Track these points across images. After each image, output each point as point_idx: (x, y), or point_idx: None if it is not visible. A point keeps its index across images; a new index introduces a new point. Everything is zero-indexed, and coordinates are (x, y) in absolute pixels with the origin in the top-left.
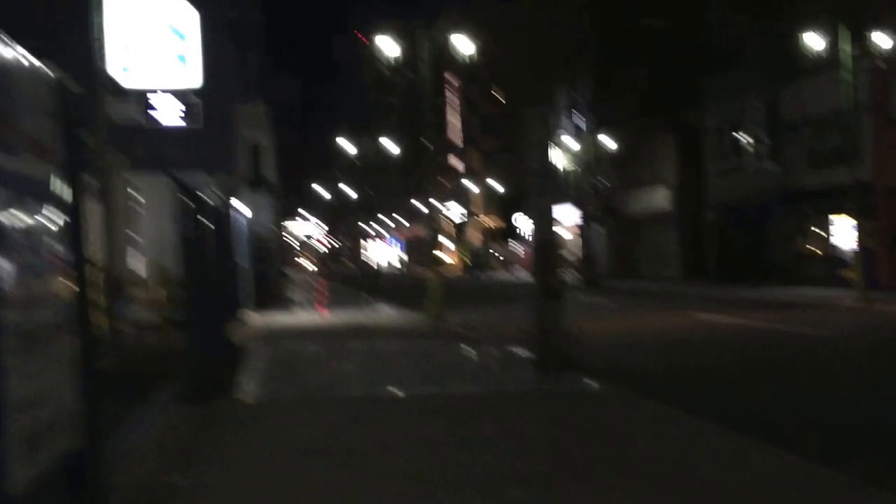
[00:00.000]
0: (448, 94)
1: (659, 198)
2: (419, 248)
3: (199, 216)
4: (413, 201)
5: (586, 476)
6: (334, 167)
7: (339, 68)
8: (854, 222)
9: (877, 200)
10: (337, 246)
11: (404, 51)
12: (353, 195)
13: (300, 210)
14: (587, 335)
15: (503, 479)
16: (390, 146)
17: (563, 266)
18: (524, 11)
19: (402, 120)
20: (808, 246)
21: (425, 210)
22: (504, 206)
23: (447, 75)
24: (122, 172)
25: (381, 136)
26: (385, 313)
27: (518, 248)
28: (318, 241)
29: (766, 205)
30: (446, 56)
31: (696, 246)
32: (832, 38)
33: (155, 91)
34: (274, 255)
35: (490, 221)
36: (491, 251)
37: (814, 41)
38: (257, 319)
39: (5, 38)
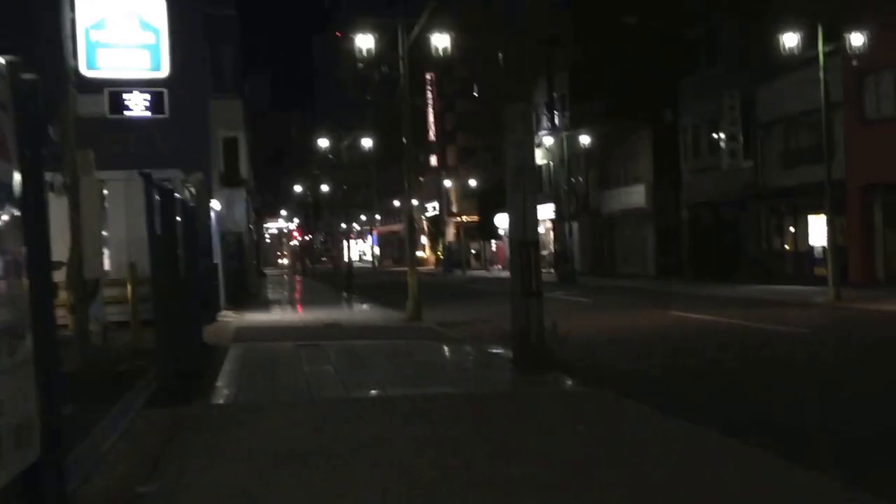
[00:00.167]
0: (426, 91)
1: (635, 195)
2: (392, 244)
3: (168, 212)
4: (389, 198)
5: (568, 480)
6: (310, 164)
7: (315, 65)
8: (827, 220)
9: (849, 198)
10: (312, 243)
11: (382, 47)
12: (330, 192)
13: (275, 207)
14: (566, 333)
15: (484, 485)
16: (366, 143)
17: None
18: (502, 8)
19: (379, 117)
20: (781, 244)
21: (400, 206)
22: (481, 203)
23: (425, 74)
24: (91, 168)
25: (357, 133)
26: (361, 311)
27: (495, 246)
28: (294, 237)
29: (740, 203)
30: (425, 52)
31: (671, 244)
32: (808, 36)
33: (122, 82)
34: (249, 252)
35: (466, 218)
36: (468, 248)
37: (789, 40)
38: (233, 318)
39: None
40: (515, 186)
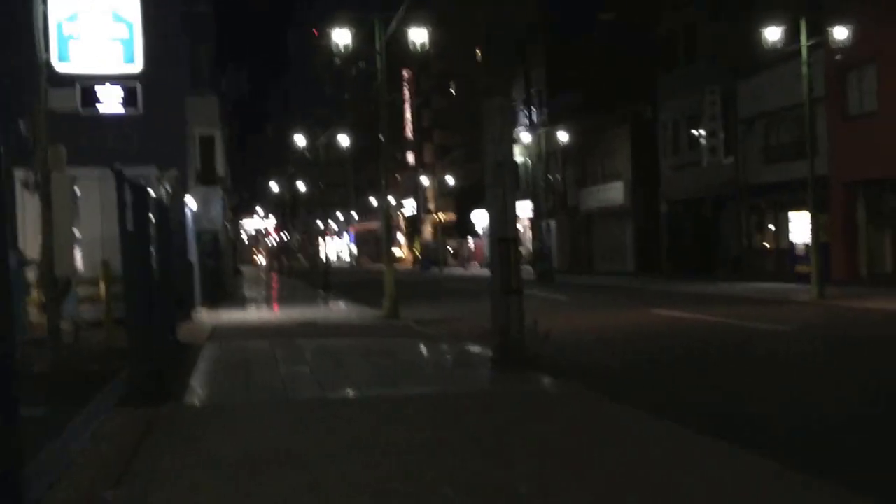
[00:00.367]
0: (402, 88)
1: (613, 192)
2: (370, 242)
3: (141, 209)
4: (366, 196)
5: (555, 484)
6: (287, 162)
7: (292, 62)
8: (809, 217)
9: (832, 195)
10: (289, 241)
11: (358, 43)
12: (306, 190)
13: (252, 205)
14: (547, 332)
15: (466, 491)
16: (343, 141)
17: (520, 260)
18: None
19: (355, 114)
20: (761, 241)
21: (377, 203)
22: (458, 201)
23: (402, 70)
24: (62, 164)
25: (334, 130)
26: (338, 309)
27: (472, 243)
28: (270, 235)
29: (720, 199)
30: (401, 48)
31: (650, 241)
32: (790, 31)
33: (95, 77)
34: (226, 251)
35: (443, 216)
36: (445, 246)
37: (771, 34)
38: (208, 317)
39: None
40: (495, 182)
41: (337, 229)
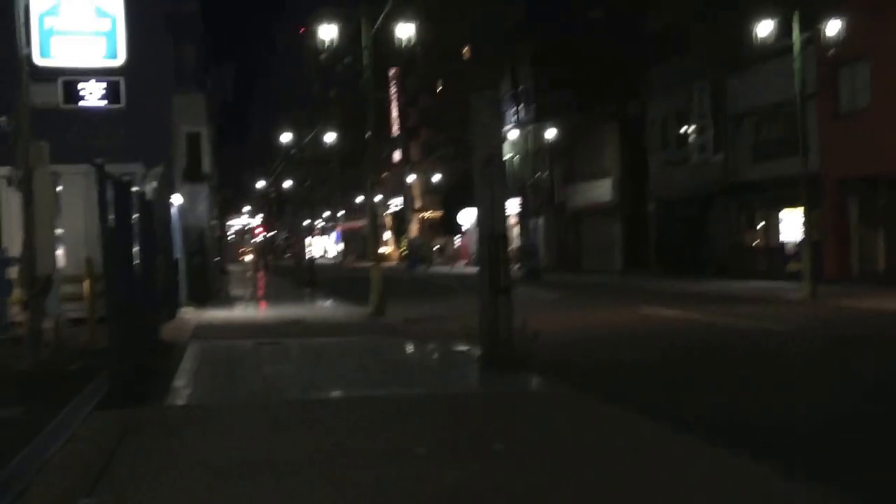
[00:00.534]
0: (389, 86)
1: (601, 190)
2: (356, 240)
3: (123, 206)
4: (352, 194)
5: (543, 490)
6: (274, 160)
7: (278, 60)
8: (801, 215)
9: (824, 192)
10: (276, 238)
11: (345, 40)
12: (293, 188)
13: (239, 203)
14: (536, 332)
15: (454, 498)
16: (330, 139)
17: (509, 258)
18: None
19: (341, 112)
20: (751, 239)
21: (364, 202)
22: (444, 199)
23: (388, 69)
24: (44, 161)
25: (320, 128)
26: (324, 307)
27: (459, 241)
28: (257, 233)
29: (709, 197)
30: (387, 47)
31: (638, 239)
32: (781, 26)
33: (77, 71)
34: (212, 248)
35: (430, 214)
36: (432, 244)
37: (762, 29)
38: (193, 315)
39: None
40: (483, 177)
41: (323, 227)
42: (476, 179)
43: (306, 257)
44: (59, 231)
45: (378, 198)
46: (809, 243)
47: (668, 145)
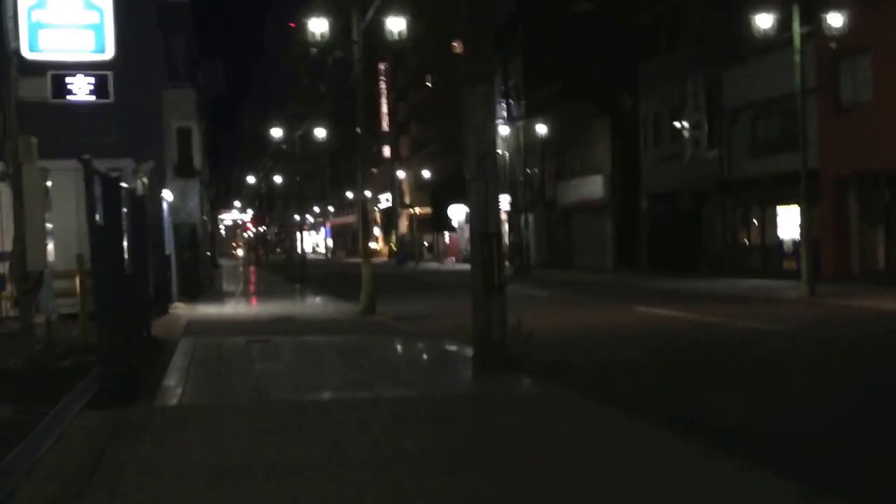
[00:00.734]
0: (379, 82)
1: (592, 186)
2: (346, 235)
3: (112, 201)
4: (342, 189)
5: (539, 496)
6: (263, 155)
7: (269, 55)
8: (798, 212)
9: (823, 189)
10: (266, 234)
11: (335, 34)
12: (283, 183)
13: (229, 198)
14: (531, 331)
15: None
16: (320, 133)
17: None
18: None
19: (332, 108)
20: (746, 236)
21: (353, 197)
22: (434, 195)
23: (378, 64)
24: (33, 155)
25: (310, 124)
26: (315, 304)
27: (448, 238)
28: (247, 229)
29: (703, 193)
30: (378, 41)
31: (630, 236)
32: (779, 18)
33: (66, 65)
34: (203, 244)
35: (419, 210)
36: (421, 240)
37: (762, 21)
38: (185, 311)
39: None
40: (477, 174)
41: (313, 223)
42: (469, 176)
43: (297, 253)
44: (49, 227)
45: (368, 194)
46: (808, 241)
47: (661, 141)
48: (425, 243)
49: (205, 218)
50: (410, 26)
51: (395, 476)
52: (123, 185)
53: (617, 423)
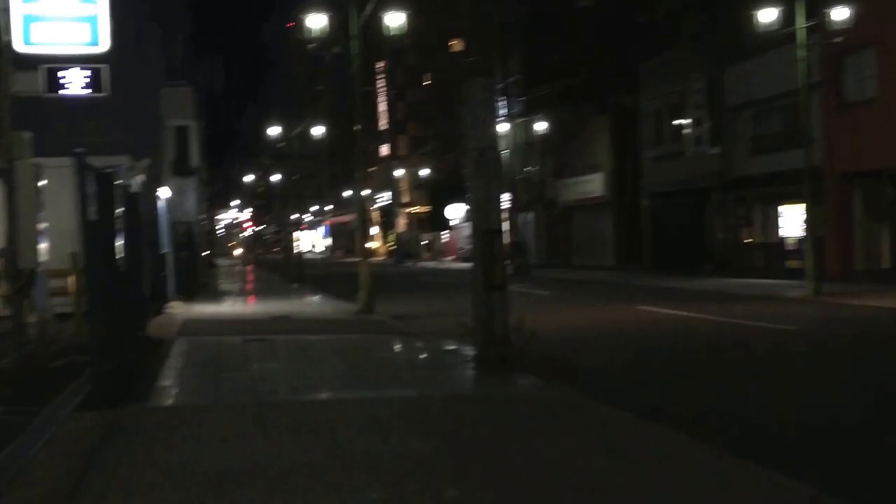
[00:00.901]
0: (377, 80)
1: (592, 184)
2: (344, 234)
3: (106, 198)
4: (339, 188)
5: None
6: (262, 154)
7: (267, 54)
8: (803, 210)
9: (827, 187)
10: (264, 233)
11: (333, 31)
12: (281, 182)
13: (228, 197)
14: (533, 330)
15: None
16: (317, 132)
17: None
18: None
19: (330, 107)
20: (748, 235)
21: (351, 196)
22: (432, 194)
23: (376, 62)
24: (25, 151)
25: (308, 123)
26: (313, 302)
27: (446, 236)
28: (245, 228)
29: (705, 191)
30: (375, 39)
31: (631, 234)
32: (782, 13)
33: (59, 59)
34: (200, 242)
35: (418, 208)
36: (419, 239)
37: (765, 16)
38: (181, 310)
39: None
40: (477, 169)
41: (311, 222)
42: (469, 172)
43: (294, 252)
44: (44, 225)
45: (366, 192)
46: (812, 240)
47: (662, 138)
48: (423, 242)
49: (202, 217)
50: (409, 23)
51: (396, 479)
52: (118, 182)
53: (624, 425)
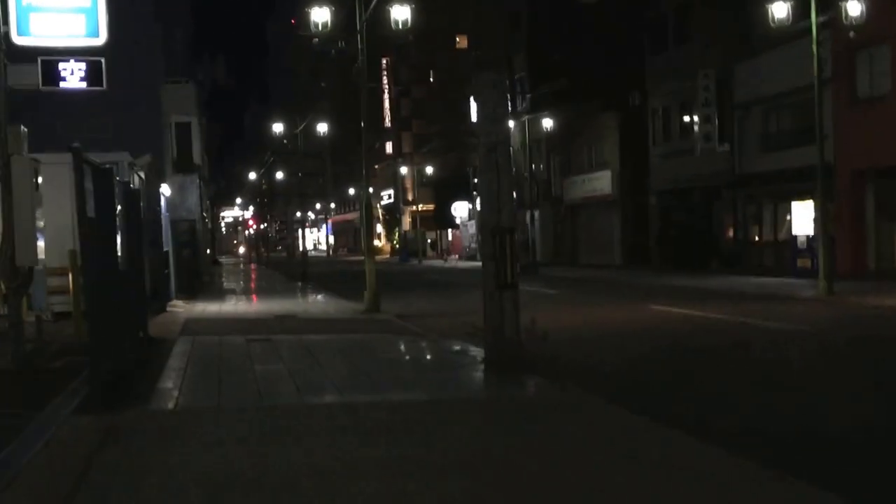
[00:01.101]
0: (381, 77)
1: (599, 182)
2: (348, 232)
3: (104, 194)
4: (343, 186)
5: None
6: (264, 151)
7: (270, 50)
8: (813, 208)
9: (839, 184)
10: (267, 231)
11: (337, 27)
12: (285, 179)
13: (231, 194)
14: (545, 331)
15: None
16: (321, 129)
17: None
18: None
19: (334, 105)
20: (758, 233)
21: (355, 194)
22: (437, 192)
23: (381, 59)
24: (21, 146)
25: (312, 120)
26: (317, 301)
27: (451, 235)
28: (248, 226)
29: (714, 189)
30: (380, 36)
31: (639, 232)
32: (794, 9)
33: (57, 51)
34: (203, 240)
35: (422, 207)
36: (424, 237)
37: (778, 10)
38: (183, 308)
39: None
40: (488, 165)
41: (315, 220)
42: (480, 167)
43: (298, 250)
44: (42, 224)
45: (370, 190)
46: (826, 238)
47: (670, 136)
48: (428, 240)
49: (204, 214)
50: (414, 18)
51: (402, 488)
52: (117, 177)
53: (641, 430)
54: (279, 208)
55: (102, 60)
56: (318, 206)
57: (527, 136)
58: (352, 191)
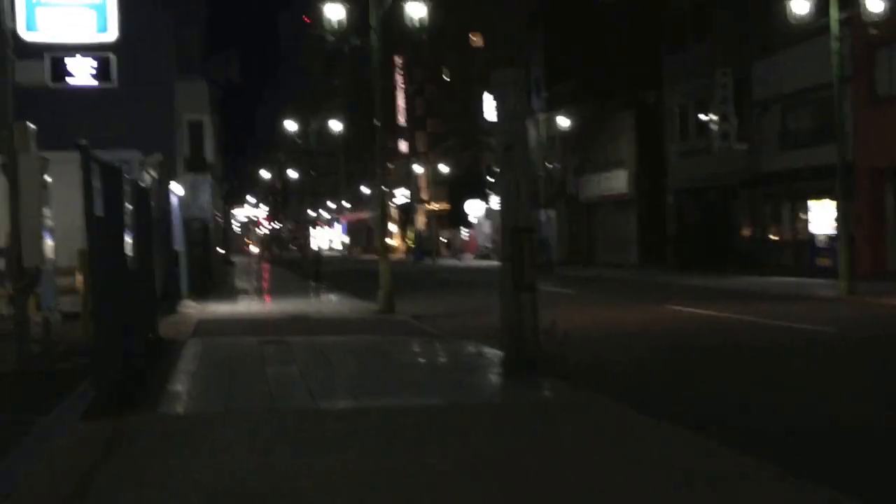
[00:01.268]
0: (395, 76)
1: (616, 180)
2: (362, 231)
3: (113, 192)
4: (357, 185)
5: None
6: (278, 149)
7: (284, 48)
8: (834, 206)
9: (858, 183)
10: (280, 230)
11: (352, 23)
12: (299, 178)
13: (244, 193)
14: (565, 332)
15: None
16: (335, 127)
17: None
18: None
19: (347, 103)
20: (777, 232)
21: (369, 193)
22: (451, 191)
23: (394, 57)
24: (28, 144)
25: (325, 119)
26: (331, 301)
27: (466, 234)
28: (261, 225)
29: (731, 188)
30: (394, 34)
31: (655, 231)
32: (813, 5)
33: (66, 47)
34: (215, 239)
35: (437, 206)
36: (439, 236)
37: (798, 7)
38: (195, 309)
39: None
40: (506, 164)
41: (328, 219)
42: (499, 166)
43: (312, 249)
44: (51, 223)
45: (384, 190)
46: (846, 237)
47: (687, 134)
48: (443, 239)
49: (217, 213)
50: (429, 16)
51: (419, 500)
52: (127, 176)
53: (667, 437)
54: (292, 207)
55: (112, 56)
56: (331, 204)
57: (543, 135)
58: (366, 189)
